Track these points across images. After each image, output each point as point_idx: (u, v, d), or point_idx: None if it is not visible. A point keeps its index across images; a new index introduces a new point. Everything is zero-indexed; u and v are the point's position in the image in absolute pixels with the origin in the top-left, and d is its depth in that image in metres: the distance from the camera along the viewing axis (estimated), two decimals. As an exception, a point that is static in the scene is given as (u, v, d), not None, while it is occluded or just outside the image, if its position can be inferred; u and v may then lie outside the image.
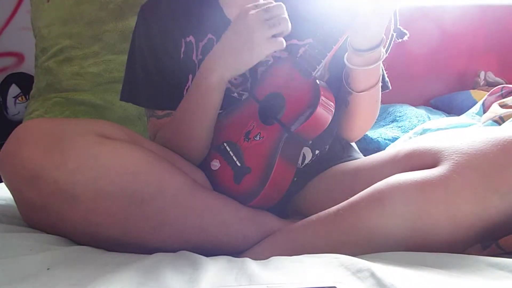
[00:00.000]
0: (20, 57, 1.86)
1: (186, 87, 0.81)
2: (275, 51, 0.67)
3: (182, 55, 0.82)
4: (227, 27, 0.70)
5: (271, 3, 0.68)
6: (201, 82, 0.72)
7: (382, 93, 0.82)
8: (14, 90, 1.78)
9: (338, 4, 0.66)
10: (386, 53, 0.73)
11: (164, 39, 0.82)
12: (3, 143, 0.59)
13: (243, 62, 0.69)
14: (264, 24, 0.66)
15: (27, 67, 1.80)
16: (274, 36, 0.66)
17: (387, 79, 0.85)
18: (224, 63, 0.70)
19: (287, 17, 0.67)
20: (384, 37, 0.69)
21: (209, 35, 0.81)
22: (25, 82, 1.76)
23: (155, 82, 0.83)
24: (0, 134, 0.97)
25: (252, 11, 0.67)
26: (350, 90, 0.76)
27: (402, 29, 0.71)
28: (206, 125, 0.75)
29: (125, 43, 1.26)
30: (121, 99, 0.88)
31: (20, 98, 1.78)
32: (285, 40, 0.81)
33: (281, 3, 0.67)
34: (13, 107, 1.78)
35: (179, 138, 0.77)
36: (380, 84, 0.77)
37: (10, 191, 0.61)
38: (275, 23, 0.66)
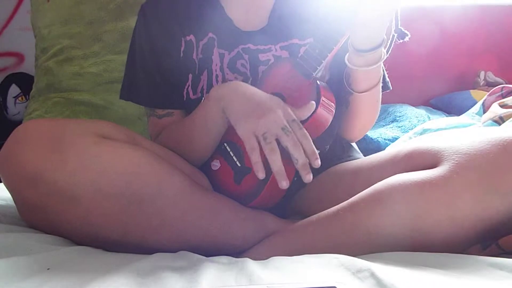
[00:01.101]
0: (20, 57, 1.86)
1: (186, 86, 0.81)
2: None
3: (182, 54, 0.82)
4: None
5: (300, 127, 0.64)
6: (210, 107, 0.72)
7: (382, 93, 0.82)
8: (14, 90, 1.78)
9: (339, 4, 0.66)
10: (387, 53, 0.73)
11: (164, 38, 0.82)
12: (3, 143, 0.59)
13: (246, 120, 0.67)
14: (280, 124, 0.63)
15: (27, 67, 1.80)
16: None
17: (387, 79, 0.85)
18: (231, 111, 0.69)
19: (301, 151, 0.63)
20: (385, 37, 0.69)
21: (210, 34, 0.81)
22: (25, 82, 1.76)
23: (155, 81, 0.83)
24: (0, 134, 0.97)
25: (279, 111, 0.65)
26: (350, 90, 0.76)
27: (403, 29, 0.71)
28: (209, 139, 0.75)
29: (125, 43, 1.26)
30: (121, 98, 0.87)
31: (20, 98, 1.78)
32: (286, 39, 0.81)
33: (306, 133, 0.64)
34: (13, 107, 1.78)
35: (182, 146, 0.77)
36: (381, 84, 0.77)
37: (10, 192, 0.61)
38: (288, 136, 0.63)
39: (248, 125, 0.65)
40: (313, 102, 0.66)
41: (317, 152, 0.64)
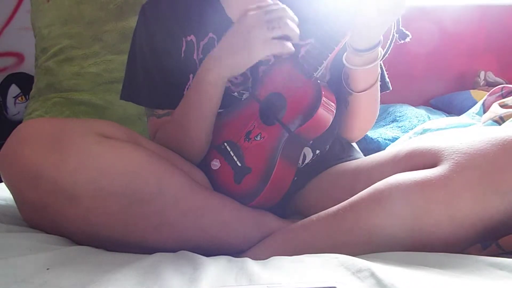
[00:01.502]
0: (20, 57, 1.86)
1: (187, 87, 0.81)
2: (279, 54, 0.67)
3: (183, 54, 0.82)
4: (228, 27, 0.70)
5: (275, 4, 0.67)
6: (200, 81, 0.72)
7: (382, 94, 0.82)
8: (14, 90, 1.78)
9: (341, 5, 0.66)
10: (386, 54, 0.73)
11: (165, 38, 0.82)
12: (3, 143, 0.59)
13: (240, 62, 0.69)
14: (263, 25, 0.65)
15: (27, 67, 1.80)
16: (277, 38, 0.65)
17: (387, 79, 0.86)
18: (222, 63, 0.70)
19: (289, 21, 0.65)
20: (382, 38, 0.70)
21: (210, 34, 0.81)
22: (25, 82, 1.76)
23: (156, 81, 0.83)
24: (0, 134, 0.97)
25: (253, 12, 0.67)
26: (349, 90, 0.76)
27: (404, 30, 0.71)
28: (205, 124, 0.75)
29: (125, 43, 1.26)
30: (121, 98, 0.88)
31: (20, 98, 1.78)
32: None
33: (285, 6, 0.66)
34: (13, 107, 1.78)
35: (178, 136, 0.77)
36: (379, 83, 0.77)
37: (10, 191, 0.61)
38: (275, 25, 0.65)
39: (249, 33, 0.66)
40: (285, 6, 0.67)
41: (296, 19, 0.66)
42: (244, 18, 0.67)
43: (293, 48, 0.65)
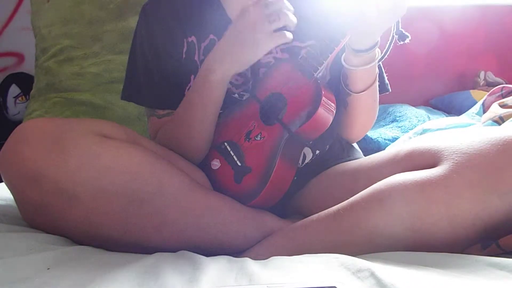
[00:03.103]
0: (20, 57, 1.86)
1: (188, 87, 0.81)
2: (280, 45, 0.68)
3: (184, 55, 0.82)
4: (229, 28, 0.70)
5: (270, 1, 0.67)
6: (203, 80, 0.72)
7: (381, 95, 0.82)
8: (14, 90, 1.78)
9: (341, 5, 0.66)
10: (386, 54, 0.73)
11: (166, 39, 0.82)
12: (3, 143, 0.59)
13: (246, 58, 0.69)
14: (264, 19, 0.65)
15: (27, 67, 1.80)
16: (277, 30, 0.66)
17: (387, 81, 0.86)
18: (226, 60, 0.70)
19: (287, 11, 0.66)
20: (379, 38, 0.70)
21: (211, 36, 0.81)
22: (25, 82, 1.76)
23: (156, 81, 0.83)
24: (0, 134, 0.97)
25: (252, 8, 0.67)
26: (348, 91, 0.76)
27: (404, 31, 0.71)
28: (207, 123, 0.75)
29: (125, 43, 1.26)
30: (122, 98, 0.87)
31: (20, 98, 1.78)
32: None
33: None
34: (13, 107, 1.78)
35: (180, 136, 0.77)
36: (377, 83, 0.78)
37: (10, 191, 0.61)
38: (275, 18, 0.65)
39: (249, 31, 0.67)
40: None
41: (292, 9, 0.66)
42: (246, 14, 0.67)
43: (292, 36, 0.67)
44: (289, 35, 0.66)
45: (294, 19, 0.66)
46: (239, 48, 0.69)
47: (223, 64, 0.70)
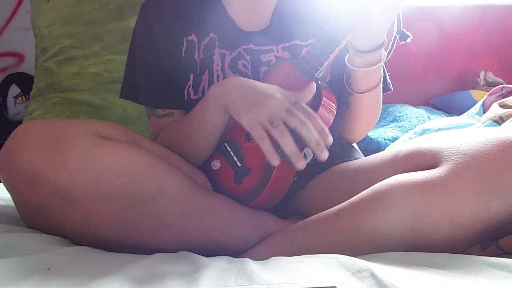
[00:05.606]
0: (20, 57, 1.86)
1: (187, 86, 0.81)
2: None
3: (183, 54, 0.81)
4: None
5: (304, 107, 0.64)
6: (207, 109, 0.72)
7: (383, 94, 0.82)
8: (14, 90, 1.78)
9: (342, 5, 0.66)
10: (388, 55, 0.73)
11: (165, 37, 0.82)
12: (3, 143, 0.59)
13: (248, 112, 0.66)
14: (283, 111, 0.62)
15: (27, 67, 1.80)
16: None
17: (389, 80, 0.86)
18: (233, 105, 0.68)
19: (311, 129, 0.61)
20: (386, 39, 0.69)
21: (211, 34, 0.81)
22: (25, 82, 1.76)
23: (156, 80, 0.82)
24: (0, 134, 0.97)
25: (280, 96, 0.64)
26: (350, 91, 0.76)
27: (405, 31, 0.71)
28: (210, 139, 0.75)
29: (125, 43, 1.26)
30: (121, 97, 0.87)
31: (20, 98, 1.78)
32: (288, 40, 0.80)
33: (315, 114, 0.64)
34: (13, 107, 1.78)
35: (182, 145, 0.77)
36: (381, 85, 0.77)
37: (9, 193, 0.61)
38: (293, 119, 0.62)
39: (251, 115, 0.64)
40: (314, 84, 0.66)
41: (326, 129, 0.63)
42: (270, 87, 0.66)
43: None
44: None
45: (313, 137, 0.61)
46: (245, 104, 0.66)
47: (228, 106, 0.68)
